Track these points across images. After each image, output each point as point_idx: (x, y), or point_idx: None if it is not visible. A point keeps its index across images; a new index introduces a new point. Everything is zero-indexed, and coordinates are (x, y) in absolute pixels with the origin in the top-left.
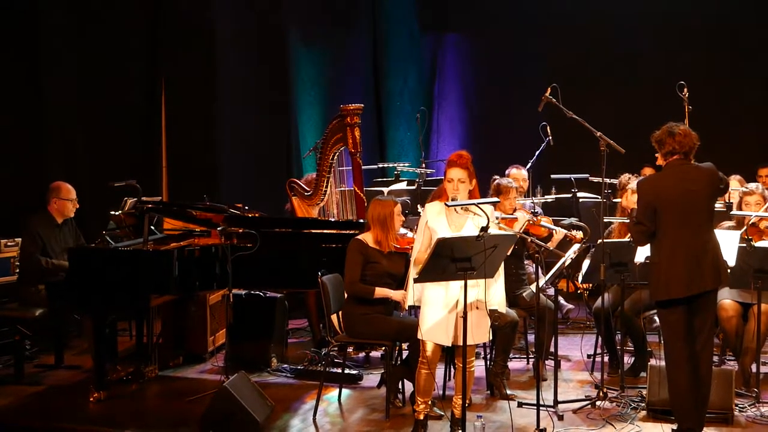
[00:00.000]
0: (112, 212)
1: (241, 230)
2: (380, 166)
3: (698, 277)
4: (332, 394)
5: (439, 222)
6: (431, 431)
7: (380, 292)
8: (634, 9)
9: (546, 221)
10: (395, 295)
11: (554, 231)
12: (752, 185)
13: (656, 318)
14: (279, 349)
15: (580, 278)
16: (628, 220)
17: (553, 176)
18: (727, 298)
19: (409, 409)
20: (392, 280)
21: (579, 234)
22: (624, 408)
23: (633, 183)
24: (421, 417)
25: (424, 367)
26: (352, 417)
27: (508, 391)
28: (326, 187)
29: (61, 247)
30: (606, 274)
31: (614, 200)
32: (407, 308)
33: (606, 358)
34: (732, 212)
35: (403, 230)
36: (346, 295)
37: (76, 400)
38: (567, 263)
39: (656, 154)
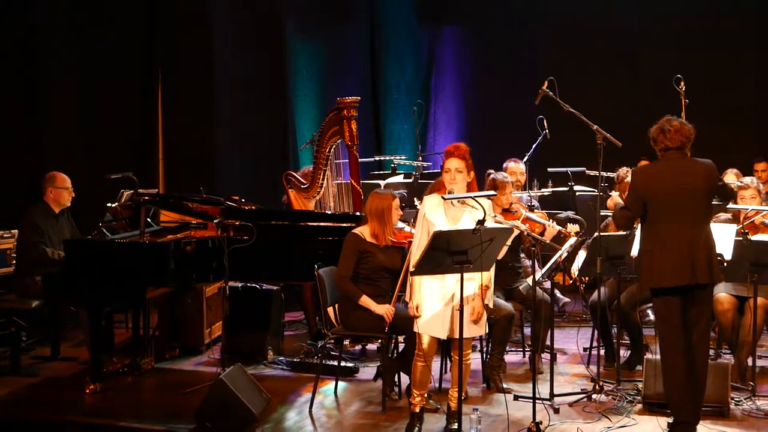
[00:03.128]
0: (109, 204)
1: (237, 223)
2: (377, 158)
3: (690, 268)
4: (328, 386)
5: (436, 215)
6: (427, 424)
7: (365, 301)
8: (632, 3)
9: (540, 216)
10: (378, 309)
11: (547, 226)
12: (747, 179)
13: (649, 312)
14: (275, 342)
15: (575, 272)
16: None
17: (549, 170)
18: (723, 292)
19: (405, 402)
20: (388, 273)
21: (575, 228)
22: (620, 401)
23: (629, 177)
24: (417, 410)
25: (420, 359)
26: (348, 410)
27: (504, 384)
28: (323, 179)
29: (58, 238)
30: (602, 267)
31: (610, 194)
32: (408, 302)
33: (602, 352)
34: (728, 206)
35: (400, 224)
36: None
37: (72, 392)
38: (563, 256)
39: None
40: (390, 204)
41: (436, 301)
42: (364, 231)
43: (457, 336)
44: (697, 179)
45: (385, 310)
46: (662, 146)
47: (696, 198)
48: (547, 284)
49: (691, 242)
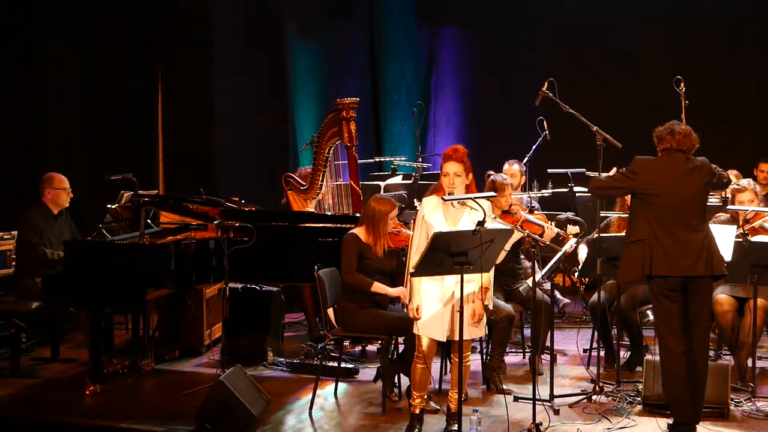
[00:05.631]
0: (109, 205)
1: (237, 224)
2: (377, 160)
3: (684, 259)
4: (328, 388)
5: (435, 216)
6: (427, 425)
7: (378, 287)
8: (632, 3)
9: (539, 218)
10: (393, 291)
11: (546, 228)
12: (743, 182)
13: (649, 313)
14: (275, 343)
15: (581, 260)
16: (624, 215)
17: (549, 171)
18: (723, 293)
19: (405, 404)
20: (384, 275)
21: (575, 229)
22: (620, 402)
23: None
24: (417, 411)
25: (420, 361)
26: (348, 411)
27: (505, 386)
28: (322, 181)
29: (57, 239)
30: (602, 268)
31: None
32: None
33: (602, 353)
34: (728, 207)
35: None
36: (341, 289)
37: (72, 393)
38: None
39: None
40: (386, 211)
41: (435, 303)
42: (359, 232)
43: (456, 338)
44: (696, 177)
45: (399, 291)
46: (667, 146)
47: (694, 195)
48: (547, 285)
49: (686, 235)
